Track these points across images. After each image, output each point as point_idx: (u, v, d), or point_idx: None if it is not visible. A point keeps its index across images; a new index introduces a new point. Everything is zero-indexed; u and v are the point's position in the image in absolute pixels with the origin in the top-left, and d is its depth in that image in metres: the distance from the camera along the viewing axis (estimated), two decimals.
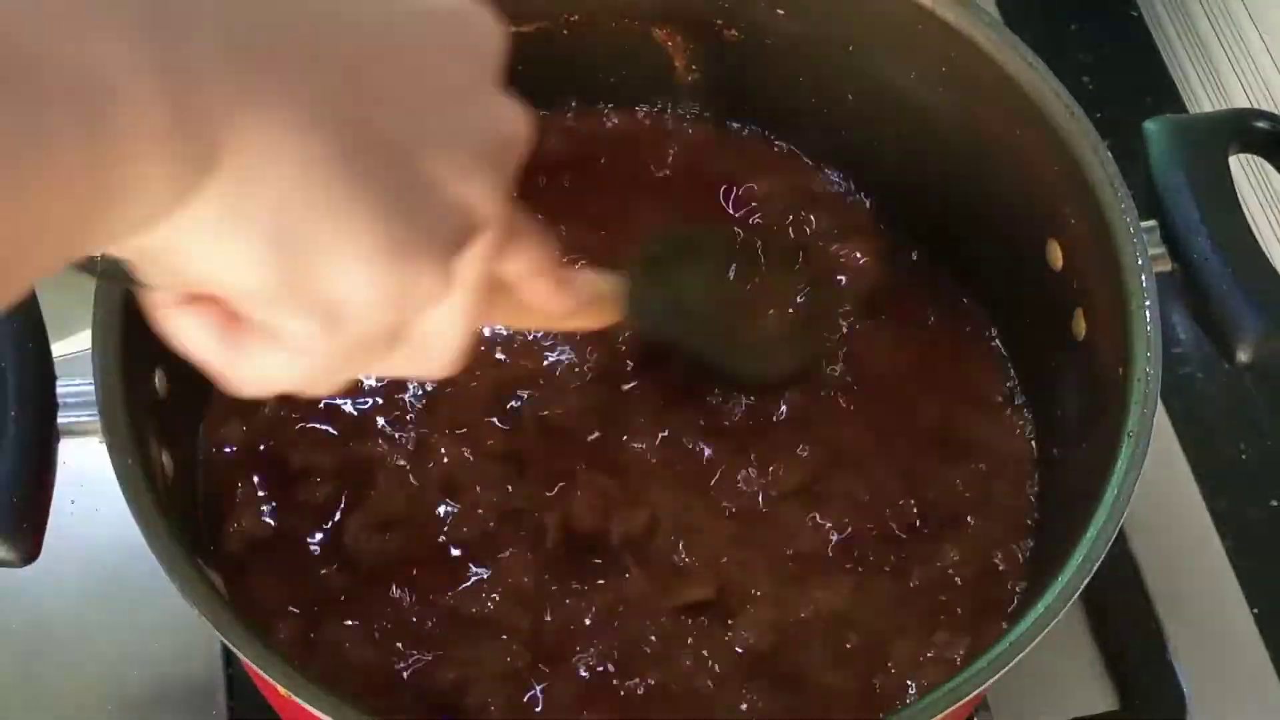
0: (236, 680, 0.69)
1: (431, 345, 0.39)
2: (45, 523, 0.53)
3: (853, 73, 0.71)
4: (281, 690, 0.48)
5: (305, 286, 0.33)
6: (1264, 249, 0.59)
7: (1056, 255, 0.64)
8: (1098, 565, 0.52)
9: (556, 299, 0.47)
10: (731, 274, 0.63)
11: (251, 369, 0.37)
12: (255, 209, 0.32)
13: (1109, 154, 0.60)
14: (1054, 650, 0.70)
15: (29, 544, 0.52)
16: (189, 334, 0.37)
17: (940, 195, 0.71)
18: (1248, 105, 0.88)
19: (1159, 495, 0.76)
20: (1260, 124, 0.63)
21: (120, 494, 0.52)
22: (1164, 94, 0.96)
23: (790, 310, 0.64)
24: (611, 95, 0.76)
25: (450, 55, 0.36)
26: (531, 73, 0.72)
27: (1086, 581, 0.51)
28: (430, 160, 0.34)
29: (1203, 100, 0.94)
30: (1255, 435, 0.81)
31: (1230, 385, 0.83)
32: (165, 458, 0.57)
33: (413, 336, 0.38)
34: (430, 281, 0.35)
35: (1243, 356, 0.58)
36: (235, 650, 0.49)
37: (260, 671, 0.49)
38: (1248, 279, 0.58)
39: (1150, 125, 0.63)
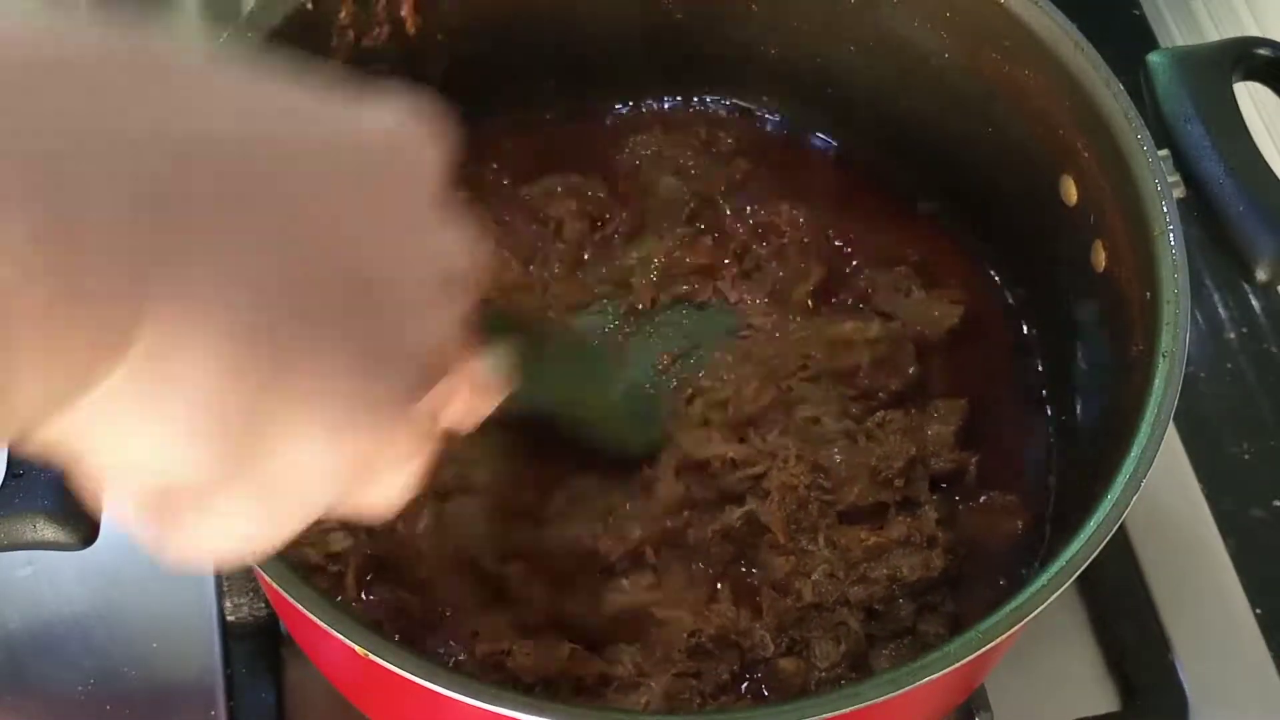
0: (236, 680, 0.69)
1: (380, 492, 0.35)
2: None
3: (855, 25, 0.72)
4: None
5: (244, 467, 0.29)
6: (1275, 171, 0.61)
7: (1071, 191, 0.65)
8: (1144, 482, 0.52)
9: (473, 419, 0.40)
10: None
11: (185, 543, 0.32)
12: (177, 389, 0.28)
13: (1120, 86, 0.61)
14: (1056, 651, 0.72)
15: (87, 527, 0.52)
16: (117, 507, 0.32)
17: (949, 144, 0.72)
18: None
19: (1161, 495, 0.76)
20: (1262, 51, 0.64)
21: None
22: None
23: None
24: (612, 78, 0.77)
25: (388, 187, 0.32)
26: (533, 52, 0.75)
27: (1136, 497, 0.52)
28: (377, 308, 0.31)
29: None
30: (1258, 435, 0.81)
31: (1233, 385, 0.83)
32: None
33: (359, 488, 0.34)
34: (402, 440, 0.32)
35: (1262, 275, 0.60)
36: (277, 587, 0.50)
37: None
38: (1263, 199, 0.60)
39: (1154, 57, 0.64)
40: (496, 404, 0.43)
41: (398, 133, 0.33)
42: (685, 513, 0.63)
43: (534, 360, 0.55)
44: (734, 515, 0.63)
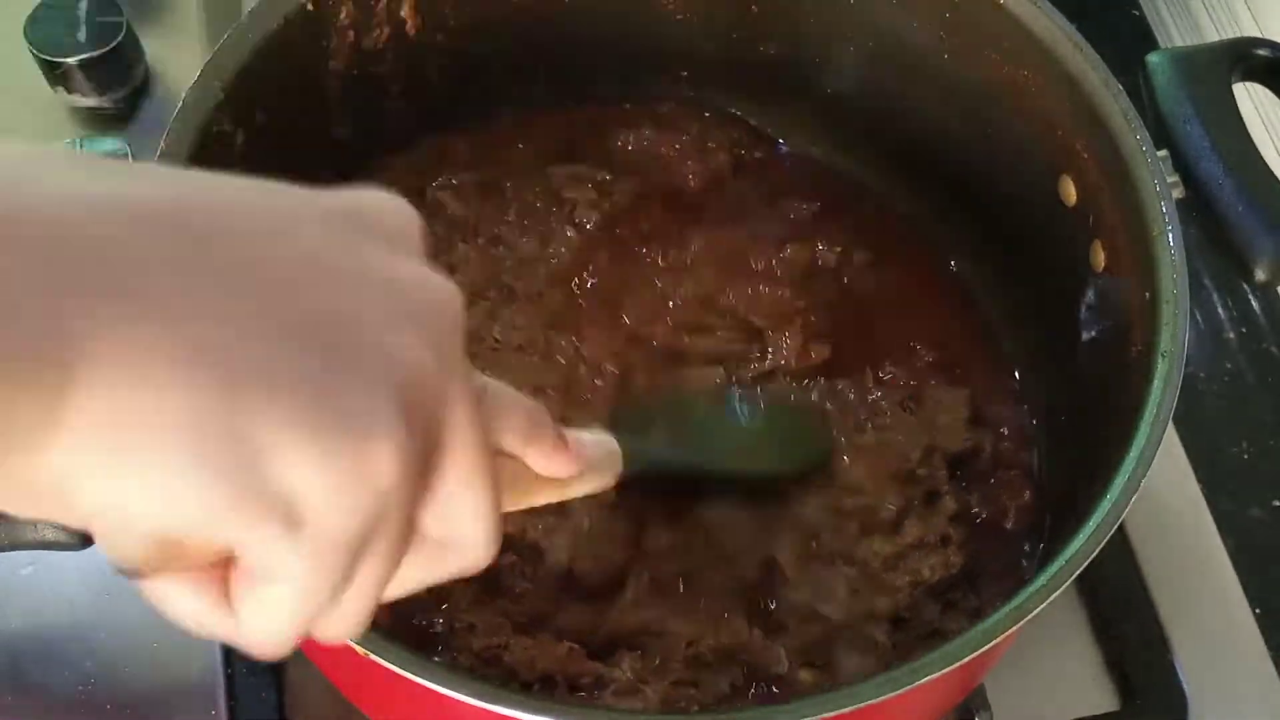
0: (237, 680, 0.69)
1: (456, 533, 0.35)
2: None
3: (854, 28, 0.72)
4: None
5: (243, 490, 0.29)
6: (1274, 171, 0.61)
7: (1070, 191, 0.65)
8: (1143, 482, 0.52)
9: (560, 459, 0.43)
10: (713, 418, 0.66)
11: (254, 618, 0.33)
12: (150, 421, 0.28)
13: (1120, 86, 0.61)
14: (1056, 650, 0.72)
15: None
16: (174, 603, 0.33)
17: (948, 144, 0.72)
18: None
19: (1161, 495, 0.76)
20: (1261, 51, 0.64)
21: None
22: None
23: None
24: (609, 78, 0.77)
25: (363, 234, 0.34)
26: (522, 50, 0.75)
27: (1135, 497, 0.52)
28: (349, 323, 0.31)
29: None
30: (1257, 435, 0.82)
31: (1232, 385, 0.83)
32: None
33: (432, 532, 0.35)
34: (387, 452, 0.31)
35: (1261, 275, 0.60)
36: None
37: None
38: (1262, 200, 0.60)
39: (1153, 58, 0.64)
40: (608, 482, 0.48)
41: (362, 196, 0.35)
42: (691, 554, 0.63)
43: (654, 436, 0.59)
44: (753, 561, 0.63)
